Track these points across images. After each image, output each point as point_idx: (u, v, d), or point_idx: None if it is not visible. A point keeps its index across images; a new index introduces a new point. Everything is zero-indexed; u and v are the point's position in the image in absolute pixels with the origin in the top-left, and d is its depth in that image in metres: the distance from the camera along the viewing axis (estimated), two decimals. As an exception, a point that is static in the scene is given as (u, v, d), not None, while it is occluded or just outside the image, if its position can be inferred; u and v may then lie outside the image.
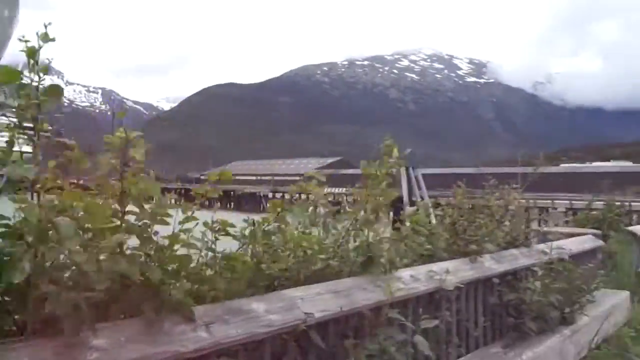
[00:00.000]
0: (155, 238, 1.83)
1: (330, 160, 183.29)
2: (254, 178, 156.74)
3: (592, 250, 5.01)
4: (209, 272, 2.13)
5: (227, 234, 2.21)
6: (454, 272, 3.19)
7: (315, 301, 2.24)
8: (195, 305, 1.81)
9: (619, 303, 4.66)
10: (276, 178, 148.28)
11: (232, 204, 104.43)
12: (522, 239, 4.25)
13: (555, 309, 3.67)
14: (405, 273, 2.88)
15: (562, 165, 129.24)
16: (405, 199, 57.88)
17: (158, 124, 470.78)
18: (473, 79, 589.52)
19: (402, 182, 61.05)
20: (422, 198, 64.23)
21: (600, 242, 5.21)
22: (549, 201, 57.90)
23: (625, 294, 4.93)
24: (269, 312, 2.02)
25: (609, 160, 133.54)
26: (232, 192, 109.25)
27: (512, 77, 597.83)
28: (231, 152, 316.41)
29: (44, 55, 1.75)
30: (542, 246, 4.25)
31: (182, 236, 1.95)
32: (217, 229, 2.21)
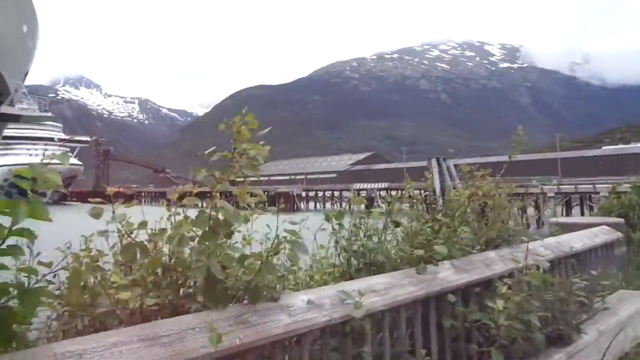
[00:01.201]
0: None
1: (363, 155, 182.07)
2: (287, 178, 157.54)
3: (607, 244, 4.07)
4: None
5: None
6: (384, 290, 2.37)
7: (106, 359, 1.48)
8: None
9: (642, 308, 3.68)
10: (309, 177, 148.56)
11: (266, 204, 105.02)
12: (506, 237, 3.37)
13: (540, 330, 2.77)
14: (298, 299, 2.07)
15: (604, 147, 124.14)
16: (438, 190, 56.60)
17: (193, 130, 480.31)
18: (506, 65, 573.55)
19: (433, 174, 59.95)
20: (455, 189, 63.01)
21: (617, 234, 4.20)
22: (590, 186, 55.14)
23: (650, 296, 3.93)
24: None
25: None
26: (265, 193, 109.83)
27: (547, 59, 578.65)
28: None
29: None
30: (533, 245, 3.31)
31: None
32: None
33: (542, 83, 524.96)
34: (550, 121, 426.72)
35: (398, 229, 2.99)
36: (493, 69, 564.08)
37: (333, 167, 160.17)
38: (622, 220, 5.05)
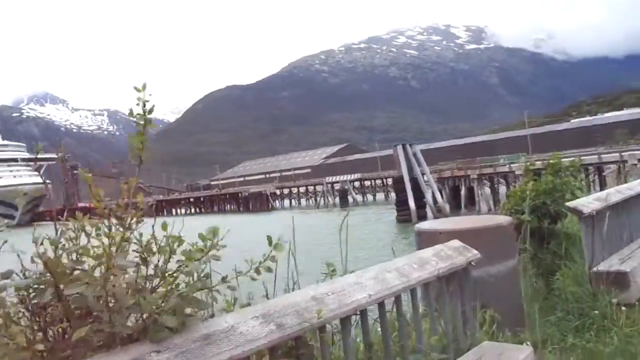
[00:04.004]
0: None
1: (337, 147, 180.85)
2: (262, 176, 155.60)
3: (442, 276, 2.57)
4: None
5: None
6: None
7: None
8: None
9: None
10: (284, 173, 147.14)
11: (241, 205, 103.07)
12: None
13: None
14: None
15: (572, 120, 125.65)
16: (406, 177, 54.99)
17: (165, 137, 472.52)
18: (473, 46, 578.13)
19: (400, 161, 58.12)
20: (424, 174, 60.75)
21: (469, 255, 2.76)
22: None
23: (525, 353, 2.52)
24: None
25: (622, 109, 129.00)
26: (239, 194, 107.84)
27: (512, 38, 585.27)
28: (239, 154, 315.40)
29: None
30: (234, 319, 1.72)
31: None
32: None
33: (509, 62, 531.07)
34: (520, 99, 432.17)
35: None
36: (460, 51, 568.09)
37: (307, 162, 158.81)
38: (505, 220, 3.63)
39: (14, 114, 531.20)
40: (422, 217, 48.06)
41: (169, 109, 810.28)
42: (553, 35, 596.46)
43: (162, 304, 1.55)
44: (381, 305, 2.06)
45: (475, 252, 2.69)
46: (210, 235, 1.69)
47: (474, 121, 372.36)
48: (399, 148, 50.57)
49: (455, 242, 2.74)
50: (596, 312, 3.57)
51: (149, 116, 1.76)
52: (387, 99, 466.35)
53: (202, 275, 1.69)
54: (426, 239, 3.28)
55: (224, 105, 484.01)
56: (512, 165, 53.48)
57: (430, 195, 50.96)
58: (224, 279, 1.74)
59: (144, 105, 1.72)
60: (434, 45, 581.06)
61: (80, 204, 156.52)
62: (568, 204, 4.17)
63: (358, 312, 1.95)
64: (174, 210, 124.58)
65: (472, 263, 2.61)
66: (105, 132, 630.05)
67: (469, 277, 2.63)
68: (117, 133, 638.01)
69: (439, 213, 48.49)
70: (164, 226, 1.70)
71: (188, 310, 1.62)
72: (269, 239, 1.82)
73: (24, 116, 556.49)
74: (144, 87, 1.66)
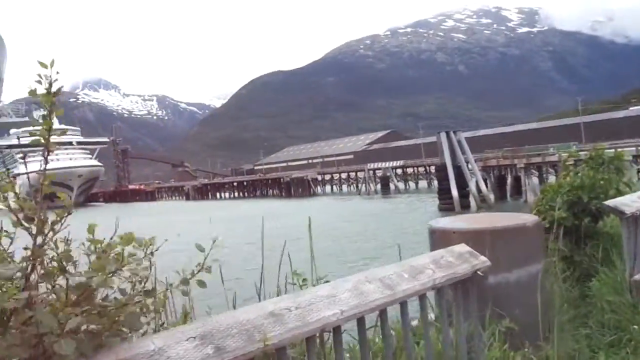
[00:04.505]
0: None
1: (380, 134, 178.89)
2: (305, 162, 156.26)
3: (438, 287, 2.18)
4: None
5: None
6: None
7: None
8: None
9: None
10: (326, 159, 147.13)
11: (283, 190, 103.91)
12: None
13: None
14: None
15: (632, 108, 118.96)
16: (449, 164, 53.70)
17: (211, 122, 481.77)
18: (525, 29, 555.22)
19: (443, 148, 56.80)
20: (468, 163, 59.15)
21: (476, 262, 2.38)
22: (612, 150, 52.30)
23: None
24: None
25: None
26: (281, 179, 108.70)
27: (567, 20, 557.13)
28: (283, 140, 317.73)
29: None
30: None
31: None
32: None
33: (564, 45, 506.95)
34: (575, 85, 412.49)
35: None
36: (511, 35, 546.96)
37: (350, 148, 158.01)
38: (530, 219, 3.20)
39: (71, 100, 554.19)
40: (466, 206, 46.89)
41: (214, 94, 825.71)
42: (612, 17, 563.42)
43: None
44: (360, 322, 1.78)
45: (484, 259, 2.35)
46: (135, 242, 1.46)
47: (525, 108, 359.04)
48: (443, 135, 49.34)
49: (461, 247, 2.41)
50: (635, 326, 3.13)
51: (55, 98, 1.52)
52: (433, 84, 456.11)
53: (141, 287, 1.46)
54: (439, 239, 2.97)
55: (269, 91, 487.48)
56: (562, 154, 51.17)
57: (474, 184, 49.59)
58: (147, 293, 1.44)
59: (51, 85, 1.43)
60: (483, 29, 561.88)
61: (131, 186, 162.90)
62: (608, 202, 3.69)
63: (330, 331, 1.68)
64: (218, 194, 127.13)
65: (480, 272, 2.27)
66: (155, 117, 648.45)
67: (476, 287, 2.30)
68: (166, 118, 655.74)
69: (482, 203, 47.19)
70: (90, 228, 1.44)
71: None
72: (199, 247, 1.61)
73: (80, 101, 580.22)
74: (52, 63, 1.37)
